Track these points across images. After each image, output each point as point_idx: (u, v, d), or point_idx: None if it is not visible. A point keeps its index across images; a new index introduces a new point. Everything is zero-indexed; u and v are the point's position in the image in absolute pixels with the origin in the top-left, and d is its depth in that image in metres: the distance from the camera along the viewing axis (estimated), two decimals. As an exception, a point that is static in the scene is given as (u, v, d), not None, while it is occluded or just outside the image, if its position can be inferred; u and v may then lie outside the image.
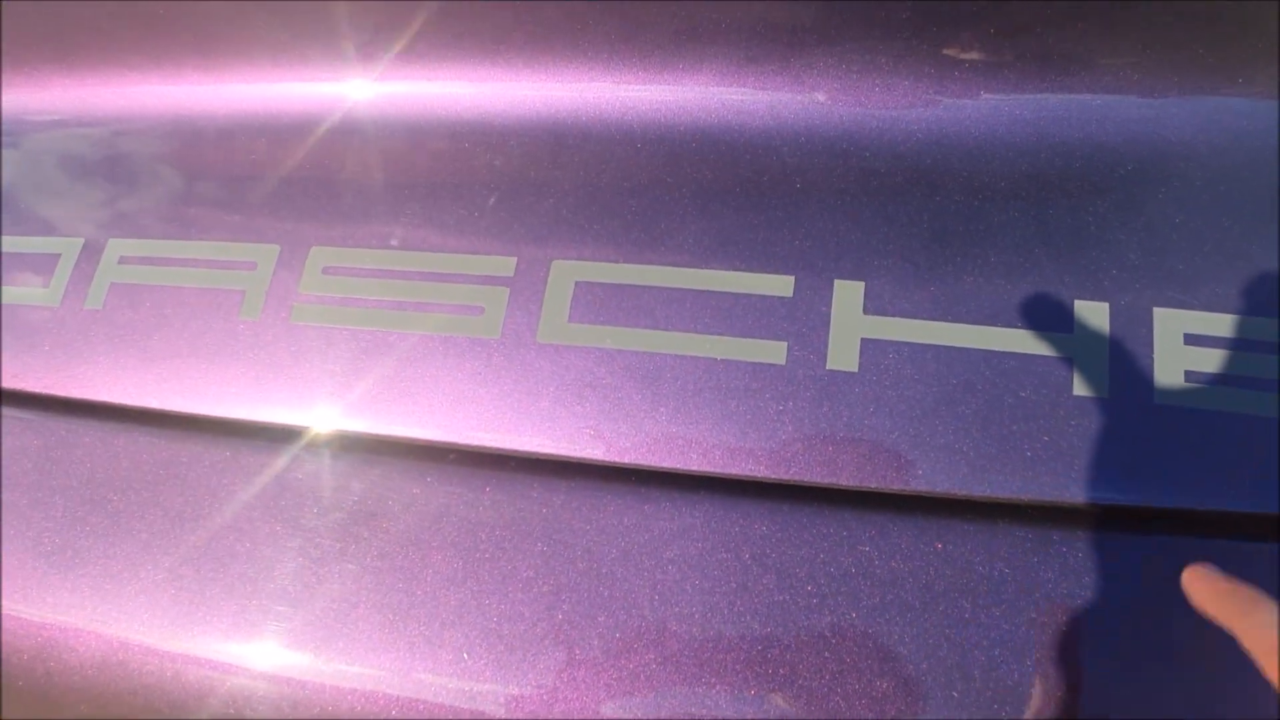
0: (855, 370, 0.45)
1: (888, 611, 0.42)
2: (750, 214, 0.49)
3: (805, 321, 0.46)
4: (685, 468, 0.45)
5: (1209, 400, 0.42)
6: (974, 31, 0.49)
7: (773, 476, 0.44)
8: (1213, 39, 0.46)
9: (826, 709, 0.41)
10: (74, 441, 0.54)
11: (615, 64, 0.52)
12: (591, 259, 0.49)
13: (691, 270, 0.48)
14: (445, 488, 0.48)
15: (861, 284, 0.46)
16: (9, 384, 0.56)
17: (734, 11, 0.50)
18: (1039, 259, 0.45)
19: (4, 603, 0.50)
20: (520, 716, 0.43)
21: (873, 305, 0.46)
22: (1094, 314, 0.44)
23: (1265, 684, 0.30)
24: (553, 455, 0.46)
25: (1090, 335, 0.44)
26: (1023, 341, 0.44)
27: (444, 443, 0.48)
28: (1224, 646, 0.32)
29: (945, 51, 0.49)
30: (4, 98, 0.67)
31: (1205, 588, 0.34)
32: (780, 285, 0.47)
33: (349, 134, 0.56)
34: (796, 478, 0.44)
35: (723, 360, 0.46)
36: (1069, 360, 0.43)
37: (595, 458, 0.46)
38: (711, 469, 0.45)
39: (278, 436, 0.51)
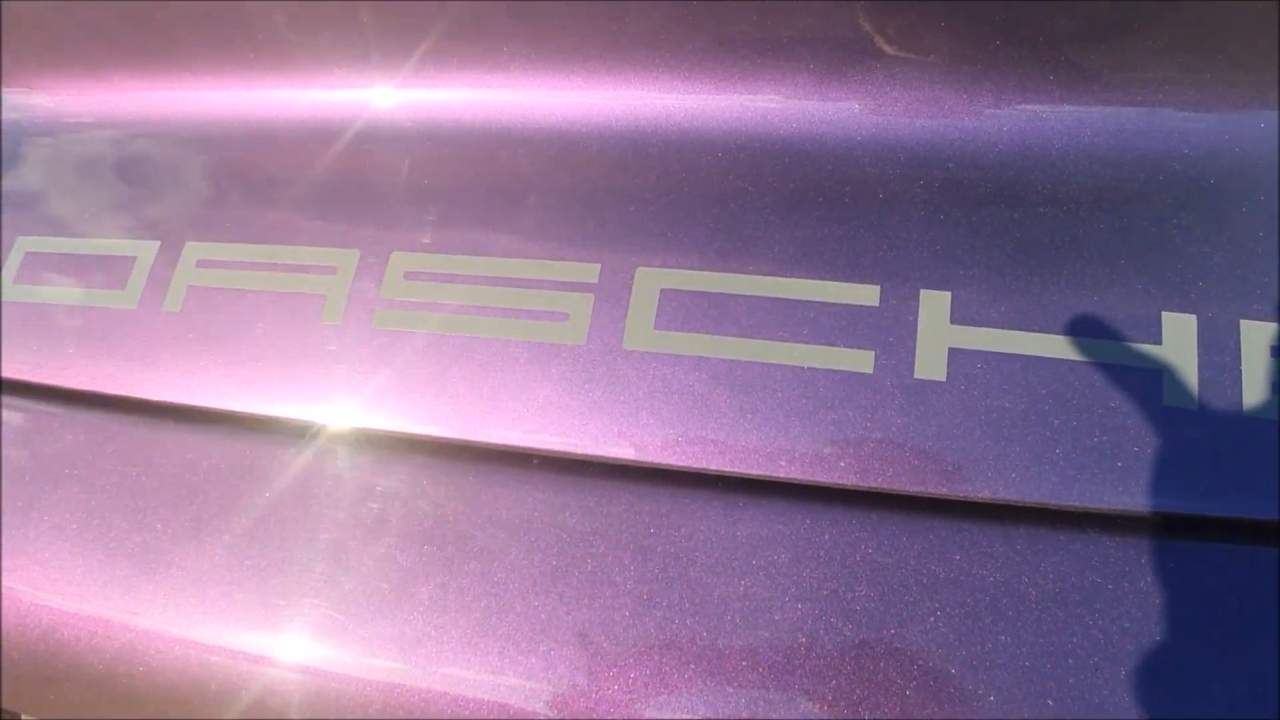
0: (944, 379, 0.45)
1: (982, 619, 0.42)
2: (834, 224, 0.49)
3: (892, 331, 0.46)
4: (774, 475, 0.45)
5: (1303, 413, 0.42)
6: (1057, 44, 0.49)
7: (861, 484, 0.45)
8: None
9: (920, 715, 0.41)
10: (155, 444, 0.54)
11: (698, 73, 0.53)
12: (676, 266, 0.49)
13: (776, 279, 0.48)
14: (531, 494, 0.48)
15: (948, 294, 0.47)
16: (87, 386, 0.57)
17: (817, 21, 0.51)
18: (1125, 271, 0.46)
19: (91, 603, 0.51)
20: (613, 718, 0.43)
21: (960, 315, 0.46)
22: (1181, 326, 0.44)
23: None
24: (640, 462, 0.47)
25: (1178, 347, 0.44)
26: (1111, 353, 0.44)
27: (529, 448, 0.49)
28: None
29: (1028, 63, 0.50)
30: (78, 102, 0.68)
31: None
32: (866, 294, 0.47)
33: (427, 140, 0.57)
34: (885, 486, 0.44)
35: (809, 369, 0.47)
36: (1157, 372, 0.44)
37: (683, 464, 0.46)
38: (800, 477, 0.45)
39: (361, 440, 0.51)
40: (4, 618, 0.52)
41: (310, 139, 0.60)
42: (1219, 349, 0.44)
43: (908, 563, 0.44)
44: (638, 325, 0.49)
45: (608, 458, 0.47)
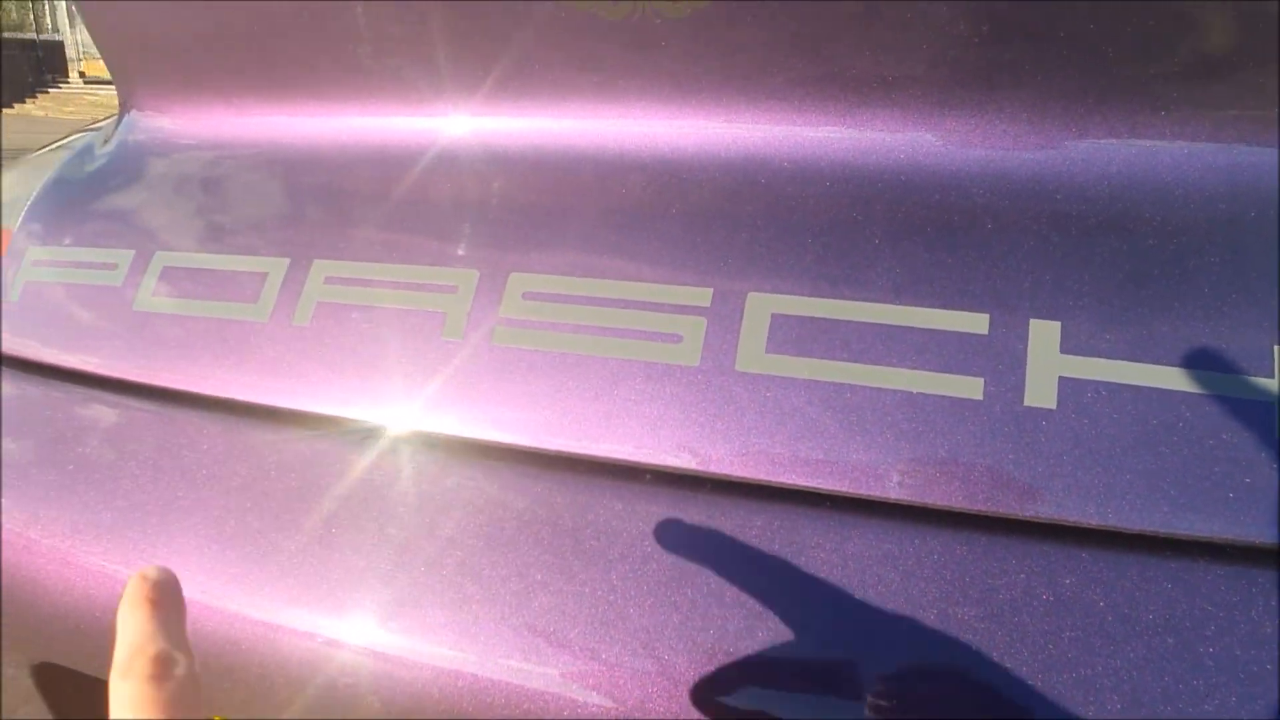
0: (1053, 407, 0.46)
1: (1091, 645, 0.43)
2: (943, 252, 0.51)
3: (1001, 358, 0.48)
4: (884, 496, 0.47)
5: None
6: (1168, 78, 0.50)
7: (971, 508, 0.46)
8: None
9: (1030, 735, 0.42)
10: (286, 450, 0.58)
11: (809, 104, 0.55)
12: (787, 292, 0.51)
13: (885, 305, 0.50)
14: (645, 507, 0.50)
15: (1057, 324, 0.48)
16: (222, 394, 0.61)
17: (928, 54, 0.52)
18: (1236, 303, 0.47)
19: (226, 598, 0.54)
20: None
21: (1070, 345, 0.47)
22: (1295, 359, 0.45)
23: None
24: (753, 480, 0.49)
25: (1292, 380, 0.44)
26: (1222, 384, 0.45)
27: (643, 464, 0.51)
28: None
29: (1139, 97, 0.51)
30: (198, 125, 0.73)
31: None
32: (975, 322, 0.49)
33: (542, 166, 0.60)
34: (995, 509, 0.46)
35: (919, 394, 0.48)
36: (1271, 404, 0.44)
37: (794, 483, 0.48)
38: (910, 498, 0.47)
39: (481, 453, 0.54)
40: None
41: (428, 163, 0.63)
42: (1334, 383, 0.44)
43: (1017, 585, 0.45)
44: (749, 348, 0.51)
45: (720, 474, 0.50)
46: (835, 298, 0.51)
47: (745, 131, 0.56)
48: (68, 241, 0.72)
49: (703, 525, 0.50)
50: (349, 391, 0.58)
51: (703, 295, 0.53)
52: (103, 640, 0.59)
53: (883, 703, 0.44)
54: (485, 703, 0.49)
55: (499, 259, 0.57)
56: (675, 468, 0.50)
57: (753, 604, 0.47)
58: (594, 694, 0.47)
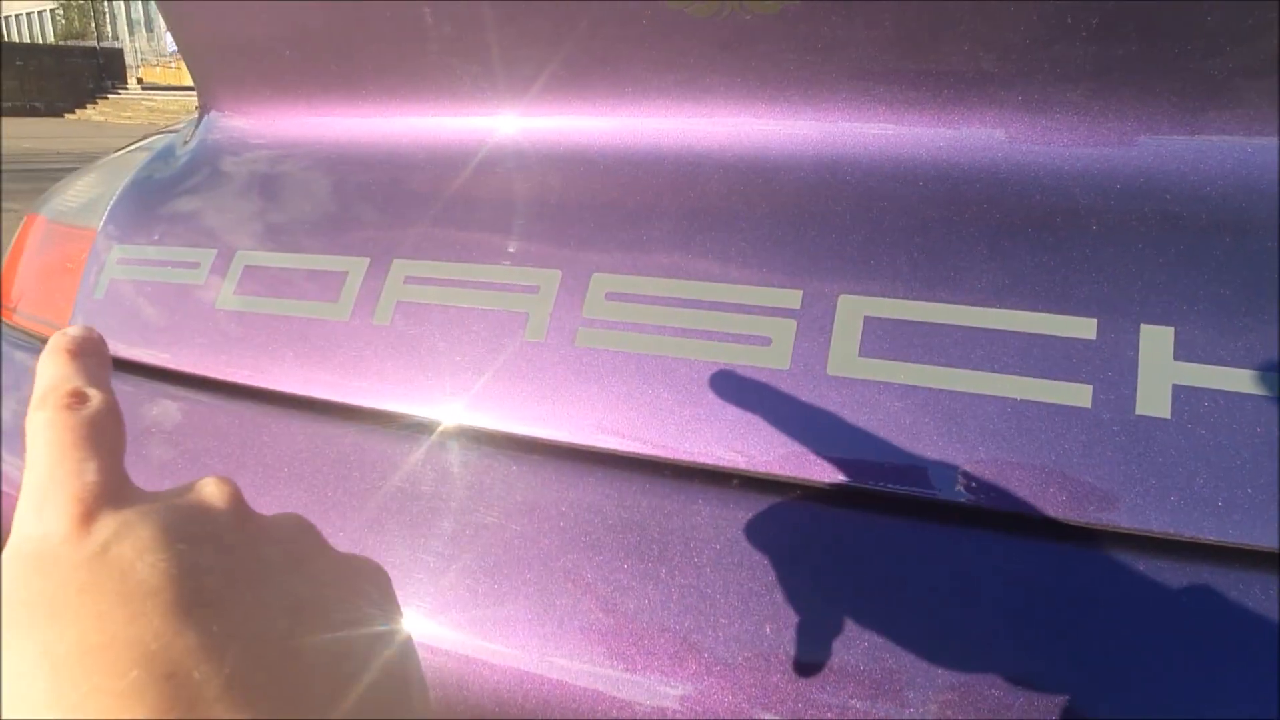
0: (1168, 417, 0.44)
1: (1211, 660, 0.41)
2: (1045, 254, 0.49)
3: (1110, 365, 0.46)
4: (986, 505, 0.45)
5: None
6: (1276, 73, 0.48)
7: (1078, 519, 0.44)
8: None
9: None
10: (369, 449, 0.58)
11: (902, 103, 0.53)
12: (880, 294, 0.50)
13: (985, 309, 0.48)
14: (734, 513, 0.49)
15: (1170, 329, 0.46)
16: (303, 391, 0.61)
17: (1029, 53, 0.50)
18: (1366, 309, 0.44)
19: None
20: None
21: (1183, 352, 0.45)
22: None
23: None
24: (847, 487, 0.48)
25: None
26: (1352, 395, 0.43)
27: (732, 469, 0.50)
28: None
29: (1253, 95, 0.48)
30: (284, 124, 0.73)
31: None
32: (1082, 327, 0.47)
33: (625, 165, 0.59)
34: (1104, 522, 0.44)
35: (1023, 400, 0.46)
36: (1405, 417, 0.42)
37: (891, 491, 0.47)
38: (1014, 509, 0.45)
39: (565, 456, 0.54)
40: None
41: (508, 163, 0.63)
42: None
43: (1128, 599, 0.43)
44: (842, 352, 0.49)
45: (811, 481, 0.48)
46: (932, 300, 0.49)
47: (836, 129, 0.55)
48: (150, 240, 0.74)
49: (792, 532, 0.48)
50: (430, 391, 0.57)
51: (792, 297, 0.51)
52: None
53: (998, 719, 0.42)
54: (569, 707, 0.48)
55: (581, 259, 0.57)
56: (764, 473, 0.49)
57: (847, 614, 0.46)
58: (682, 702, 0.46)
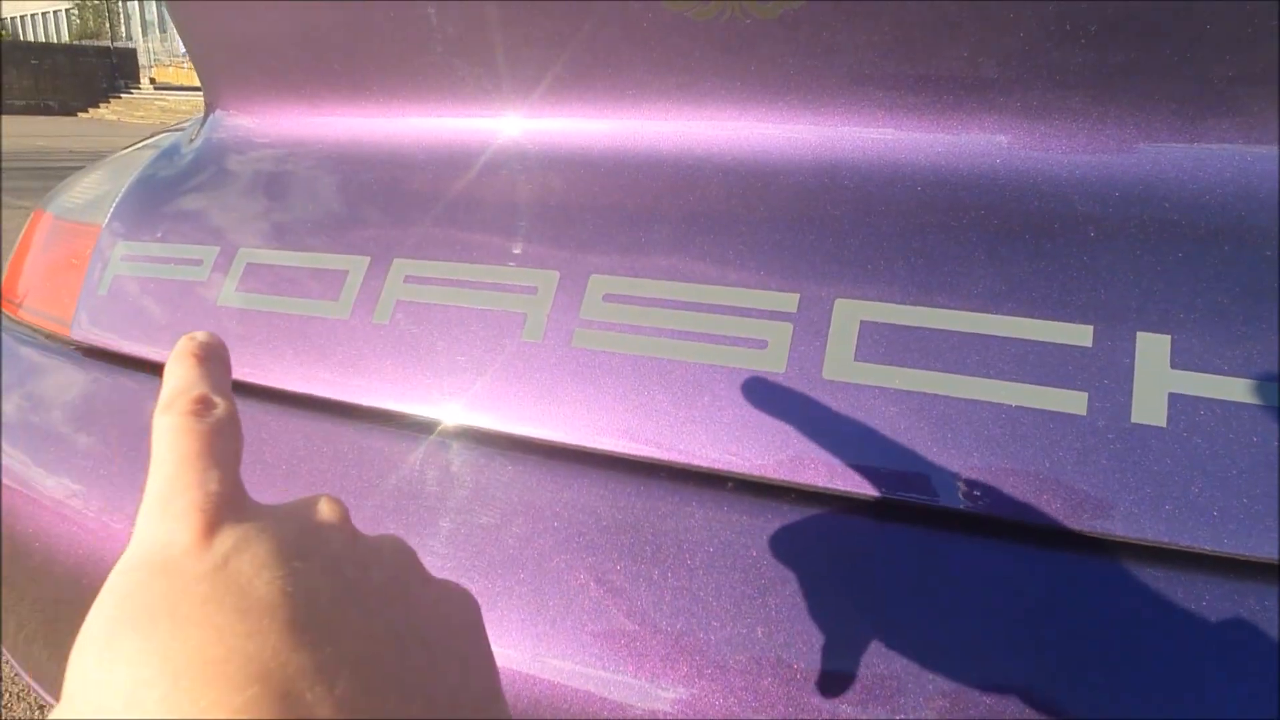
0: (1163, 425, 0.44)
1: (1206, 672, 0.41)
2: (1042, 261, 0.49)
3: (1106, 373, 0.46)
4: (980, 511, 0.45)
5: None
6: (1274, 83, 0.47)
7: (1073, 526, 0.44)
8: None
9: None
10: (366, 447, 0.58)
11: (900, 108, 0.53)
12: (876, 299, 0.50)
13: (981, 315, 0.48)
14: (727, 515, 0.49)
15: (1167, 337, 0.45)
16: (302, 389, 0.62)
17: (1026, 58, 0.50)
18: (1364, 319, 0.44)
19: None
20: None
21: (1180, 360, 0.45)
22: None
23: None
24: (840, 492, 0.48)
25: None
26: (1350, 405, 0.42)
27: (726, 471, 0.50)
28: None
29: (1251, 104, 0.48)
30: (288, 124, 0.74)
31: None
32: (1078, 334, 0.47)
33: (624, 168, 0.59)
34: (1099, 530, 0.44)
35: (1018, 407, 0.46)
36: (1403, 428, 0.42)
37: (884, 497, 0.47)
38: (1008, 515, 0.45)
39: (560, 456, 0.54)
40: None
41: (508, 164, 0.64)
42: None
43: (1120, 606, 0.43)
44: (838, 356, 0.49)
45: (805, 485, 0.48)
46: (928, 305, 0.49)
47: (834, 133, 0.55)
48: (154, 237, 0.74)
49: (785, 535, 0.48)
50: (428, 391, 0.58)
51: (789, 301, 0.51)
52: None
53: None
54: (560, 707, 0.48)
55: (580, 261, 0.57)
56: (759, 476, 0.49)
57: (837, 618, 0.46)
58: (673, 703, 0.46)
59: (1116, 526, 0.43)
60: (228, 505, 0.19)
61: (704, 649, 0.47)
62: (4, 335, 0.82)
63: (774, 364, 0.50)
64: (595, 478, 0.52)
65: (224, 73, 0.80)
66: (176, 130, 0.92)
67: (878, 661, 0.44)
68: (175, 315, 0.69)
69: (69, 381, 0.73)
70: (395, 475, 0.56)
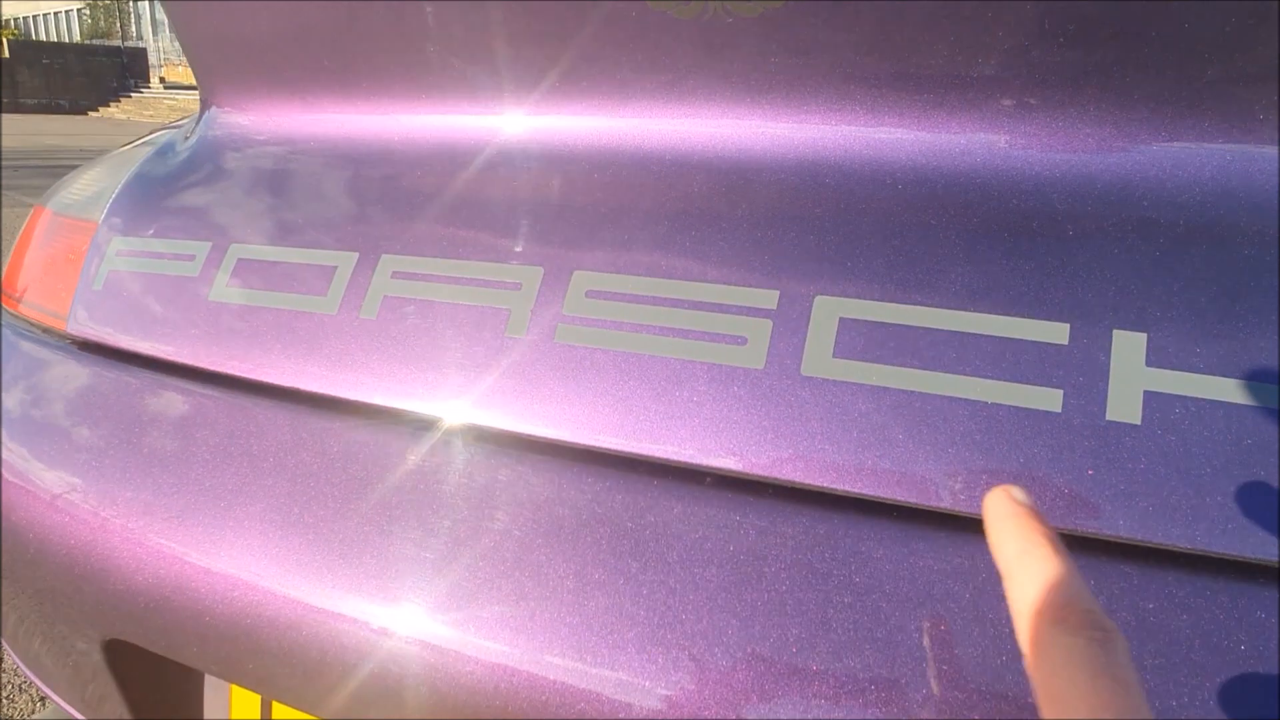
0: (1138, 423, 0.44)
1: (1177, 672, 0.41)
2: (1019, 259, 0.49)
3: (1082, 370, 0.46)
4: (953, 509, 0.46)
5: None
6: (1262, 79, 0.47)
7: (1051, 524, 0.44)
8: None
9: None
10: (351, 441, 0.59)
11: (881, 106, 0.54)
12: (855, 296, 0.50)
13: (959, 312, 0.48)
14: (704, 510, 0.50)
15: (1143, 335, 0.46)
16: (290, 383, 0.62)
17: (1006, 53, 0.51)
18: (1340, 318, 0.44)
19: (290, 584, 0.55)
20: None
21: (1156, 358, 0.45)
22: (1406, 379, 0.42)
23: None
24: (816, 487, 0.48)
25: (1402, 402, 0.42)
26: (1324, 404, 0.42)
27: (705, 467, 0.50)
28: None
29: (1233, 102, 0.48)
30: (282, 121, 0.75)
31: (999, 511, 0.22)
32: (1054, 332, 0.47)
33: (607, 165, 0.59)
34: (1073, 527, 0.44)
35: (993, 404, 0.46)
36: (1378, 427, 0.42)
37: (860, 493, 0.47)
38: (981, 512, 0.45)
39: (541, 450, 0.54)
40: (211, 591, 0.58)
41: (494, 161, 0.64)
42: None
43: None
44: (816, 352, 0.50)
45: (782, 480, 0.49)
46: (906, 303, 0.49)
47: (816, 132, 0.55)
48: (149, 233, 0.75)
49: (763, 531, 0.49)
50: (413, 385, 0.58)
51: (769, 297, 0.52)
52: (170, 619, 0.61)
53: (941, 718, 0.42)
54: (538, 700, 0.49)
55: (563, 257, 0.57)
56: (737, 472, 0.50)
57: (811, 614, 0.46)
58: (648, 697, 0.47)
59: (1090, 523, 0.44)
60: None
61: (680, 642, 0.47)
62: (4, 330, 0.83)
63: (753, 360, 0.51)
64: (575, 472, 0.53)
65: (219, 70, 0.80)
66: (174, 127, 0.93)
67: (853, 657, 0.44)
68: (167, 310, 0.70)
69: (66, 375, 0.74)
70: (378, 469, 0.57)
